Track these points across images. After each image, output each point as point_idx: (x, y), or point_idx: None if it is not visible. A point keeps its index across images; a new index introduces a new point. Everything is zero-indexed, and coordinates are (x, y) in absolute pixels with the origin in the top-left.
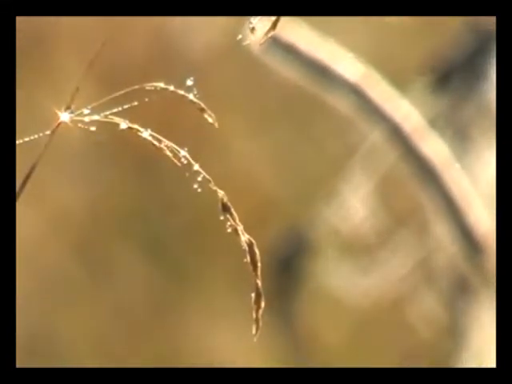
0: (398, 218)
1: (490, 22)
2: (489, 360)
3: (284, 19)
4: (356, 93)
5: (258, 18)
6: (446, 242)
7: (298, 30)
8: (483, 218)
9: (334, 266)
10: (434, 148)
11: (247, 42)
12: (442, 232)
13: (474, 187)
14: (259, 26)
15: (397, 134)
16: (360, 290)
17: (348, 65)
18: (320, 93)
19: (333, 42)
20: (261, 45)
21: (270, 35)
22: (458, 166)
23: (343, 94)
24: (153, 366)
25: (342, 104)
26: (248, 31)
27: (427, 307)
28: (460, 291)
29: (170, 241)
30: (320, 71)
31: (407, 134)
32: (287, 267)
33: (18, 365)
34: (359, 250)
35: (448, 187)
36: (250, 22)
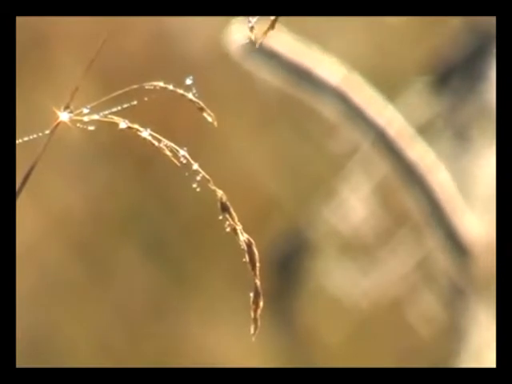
0: (397, 218)
1: (490, 22)
2: (489, 360)
3: (279, 22)
4: (341, 98)
5: (256, 18)
6: (435, 246)
7: (285, 35)
8: (471, 223)
9: (334, 265)
10: (420, 152)
11: (232, 49)
12: (430, 236)
13: (470, 188)
14: (258, 26)
15: (382, 139)
16: (360, 289)
17: (334, 71)
18: (308, 99)
19: (321, 48)
20: (247, 50)
21: (263, 37)
22: (444, 170)
23: (330, 99)
24: (153, 365)
25: (329, 109)
26: (245, 31)
27: (427, 307)
28: (460, 291)
29: (170, 241)
30: (306, 77)
31: (393, 138)
32: (287, 267)
33: (18, 365)
34: (359, 249)
35: (434, 192)
36: (249, 22)
